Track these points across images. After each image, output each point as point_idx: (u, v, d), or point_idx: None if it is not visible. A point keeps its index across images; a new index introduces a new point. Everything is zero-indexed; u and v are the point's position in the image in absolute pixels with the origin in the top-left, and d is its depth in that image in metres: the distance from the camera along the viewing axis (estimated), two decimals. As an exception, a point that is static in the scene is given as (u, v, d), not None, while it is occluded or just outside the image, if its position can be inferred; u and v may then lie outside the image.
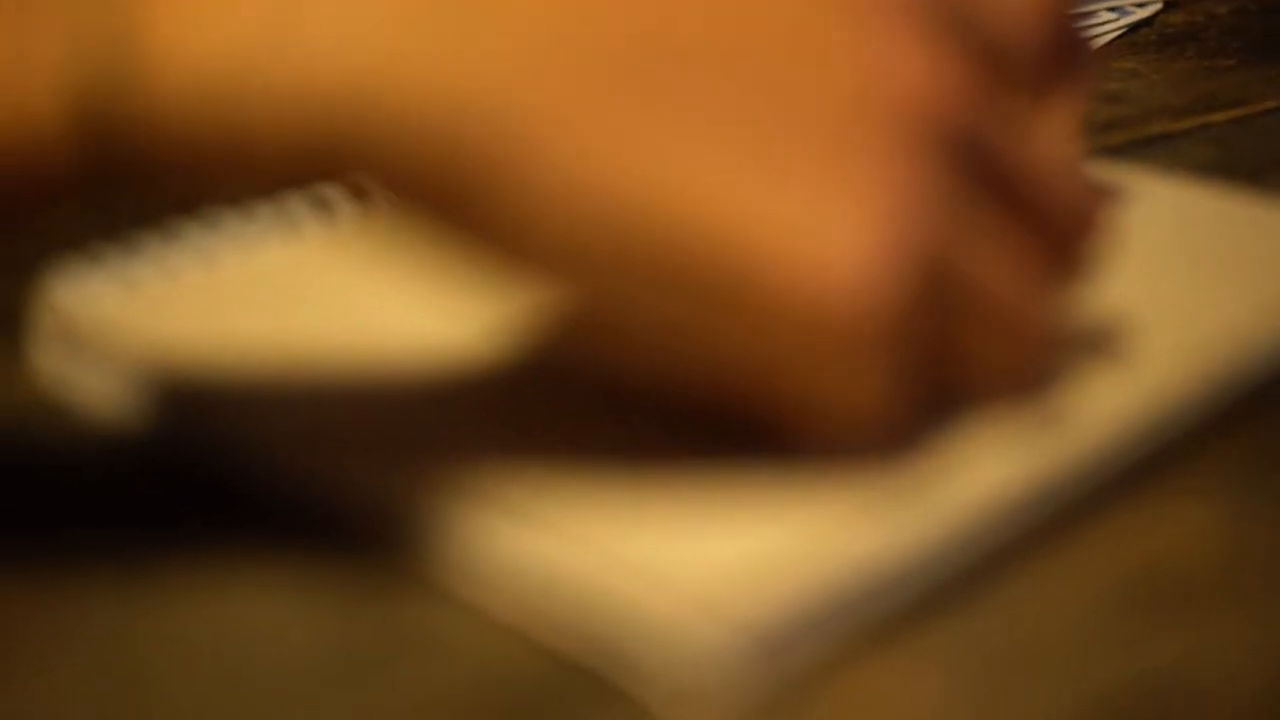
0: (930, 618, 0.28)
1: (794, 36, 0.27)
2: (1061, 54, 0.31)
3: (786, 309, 0.26)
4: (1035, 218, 0.29)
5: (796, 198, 0.26)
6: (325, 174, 0.27)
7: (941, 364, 0.29)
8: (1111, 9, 0.63)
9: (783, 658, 0.26)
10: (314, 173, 0.27)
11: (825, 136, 0.27)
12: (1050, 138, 0.31)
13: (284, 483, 0.30)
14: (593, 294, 0.28)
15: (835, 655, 0.27)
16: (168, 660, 0.27)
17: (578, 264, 0.27)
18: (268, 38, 0.25)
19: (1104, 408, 0.31)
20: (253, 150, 0.26)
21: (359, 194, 0.27)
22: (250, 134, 0.26)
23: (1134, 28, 0.61)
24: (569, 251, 0.26)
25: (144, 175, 0.26)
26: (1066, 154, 0.31)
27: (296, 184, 0.27)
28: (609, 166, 0.26)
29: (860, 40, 0.27)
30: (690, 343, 0.28)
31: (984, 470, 0.30)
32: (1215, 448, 0.33)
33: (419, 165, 0.26)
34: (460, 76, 0.26)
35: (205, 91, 0.25)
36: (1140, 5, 0.64)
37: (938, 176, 0.27)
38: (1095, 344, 0.33)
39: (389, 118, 0.26)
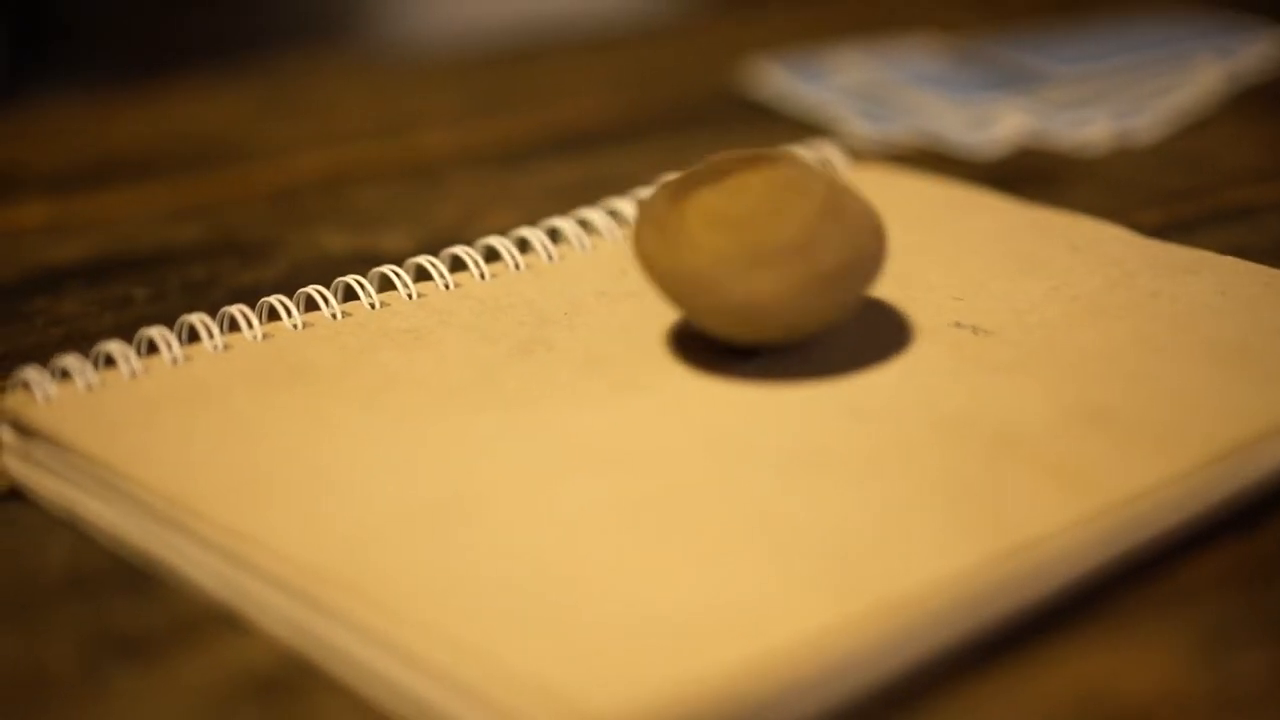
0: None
1: None
2: None
3: None
4: None
5: None
6: None
7: None
8: (1216, 49, 0.59)
9: None
10: None
11: None
12: None
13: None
14: None
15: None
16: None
17: None
18: None
19: (1061, 515, 0.29)
20: None
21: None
22: None
23: (1237, 76, 0.58)
24: None
25: None
26: None
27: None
28: None
29: None
30: None
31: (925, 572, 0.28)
32: (1193, 560, 0.31)
33: None
34: None
35: None
36: (1248, 42, 0.60)
37: None
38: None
39: None
